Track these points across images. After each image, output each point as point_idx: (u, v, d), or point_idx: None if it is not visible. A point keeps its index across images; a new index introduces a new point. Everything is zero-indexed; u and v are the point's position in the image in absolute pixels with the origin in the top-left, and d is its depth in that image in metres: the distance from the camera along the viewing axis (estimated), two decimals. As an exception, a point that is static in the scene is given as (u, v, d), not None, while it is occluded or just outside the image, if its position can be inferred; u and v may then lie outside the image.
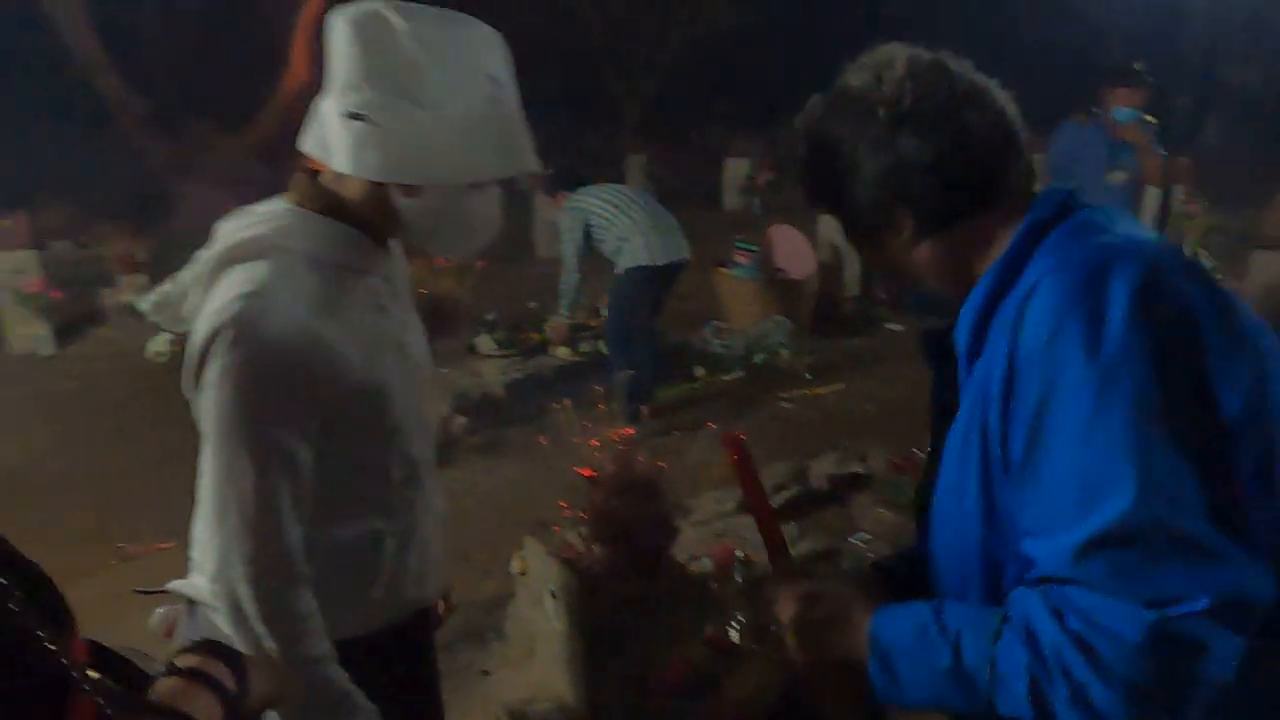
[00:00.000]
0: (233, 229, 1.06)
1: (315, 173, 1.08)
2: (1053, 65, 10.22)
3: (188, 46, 9.66)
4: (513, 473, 4.06)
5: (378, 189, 1.03)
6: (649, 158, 11.57)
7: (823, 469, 3.17)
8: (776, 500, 2.96)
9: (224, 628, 0.99)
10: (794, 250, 5.90)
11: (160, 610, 1.16)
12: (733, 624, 2.19)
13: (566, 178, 4.54)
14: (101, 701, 0.53)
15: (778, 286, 5.75)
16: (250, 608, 0.96)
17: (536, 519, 2.71)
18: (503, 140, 1.05)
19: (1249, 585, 0.70)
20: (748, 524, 2.86)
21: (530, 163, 1.10)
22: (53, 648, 0.48)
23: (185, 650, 0.66)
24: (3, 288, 6.24)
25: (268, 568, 0.97)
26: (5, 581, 0.46)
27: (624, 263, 4.30)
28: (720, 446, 1.55)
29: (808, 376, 5.12)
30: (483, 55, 1.03)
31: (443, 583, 1.29)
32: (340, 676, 1.03)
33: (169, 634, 1.16)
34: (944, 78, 0.86)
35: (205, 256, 1.05)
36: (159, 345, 3.96)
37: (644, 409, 3.85)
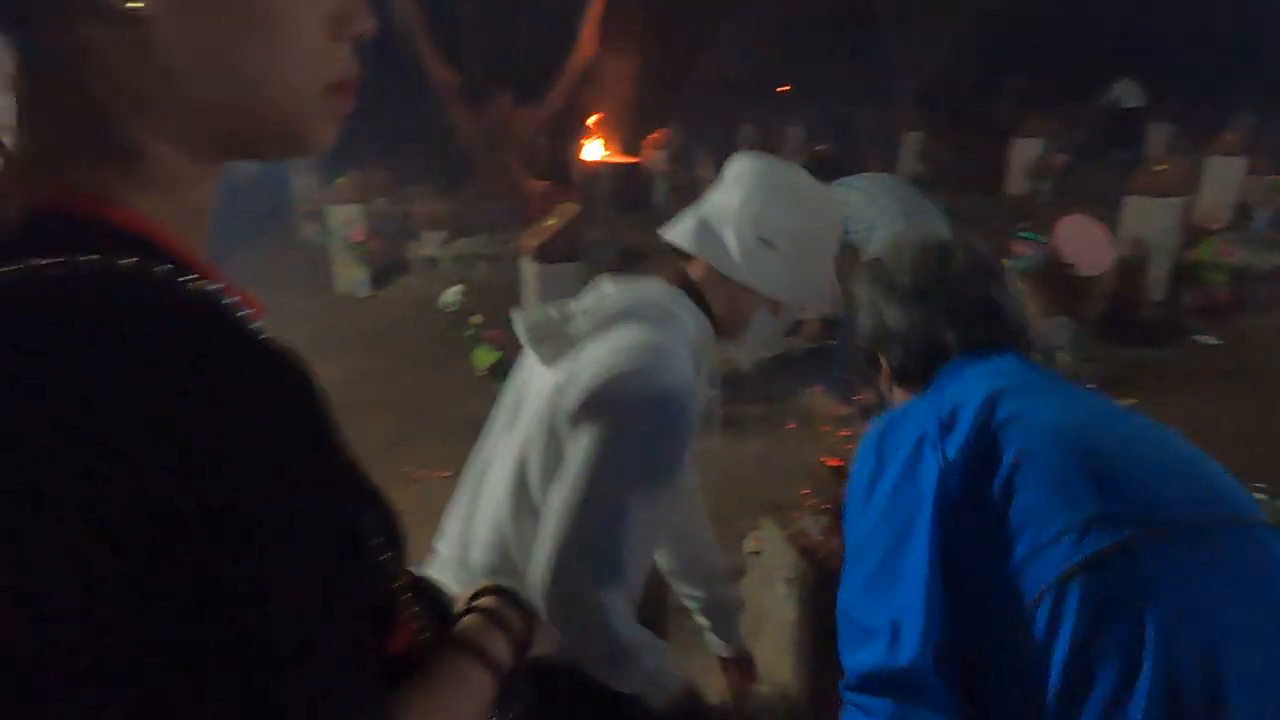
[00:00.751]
0: (620, 289, 1.23)
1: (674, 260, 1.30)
2: None
3: (495, 26, 10.58)
4: (755, 450, 4.05)
5: (745, 299, 1.24)
6: (926, 136, 10.89)
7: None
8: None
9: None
10: (1088, 243, 5.27)
11: None
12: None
13: (825, 166, 4.39)
14: (418, 627, 0.59)
15: (1063, 283, 5.18)
16: (570, 591, 1.05)
17: (775, 501, 2.68)
18: (835, 282, 1.30)
19: (887, 658, 0.83)
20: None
21: (836, 306, 1.36)
22: (391, 571, 0.54)
23: (483, 591, 0.73)
24: (335, 236, 7.34)
25: (600, 578, 1.06)
26: (359, 503, 0.52)
27: (866, 254, 4.13)
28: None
29: (1090, 387, 4.58)
30: (837, 216, 1.34)
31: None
32: (624, 629, 1.09)
33: None
34: (943, 264, 1.07)
35: (605, 304, 1.19)
36: (450, 297, 4.43)
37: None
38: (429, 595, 0.66)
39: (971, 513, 0.82)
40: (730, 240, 1.20)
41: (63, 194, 0.46)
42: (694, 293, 1.23)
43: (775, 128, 13.36)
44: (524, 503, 1.15)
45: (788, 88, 14.44)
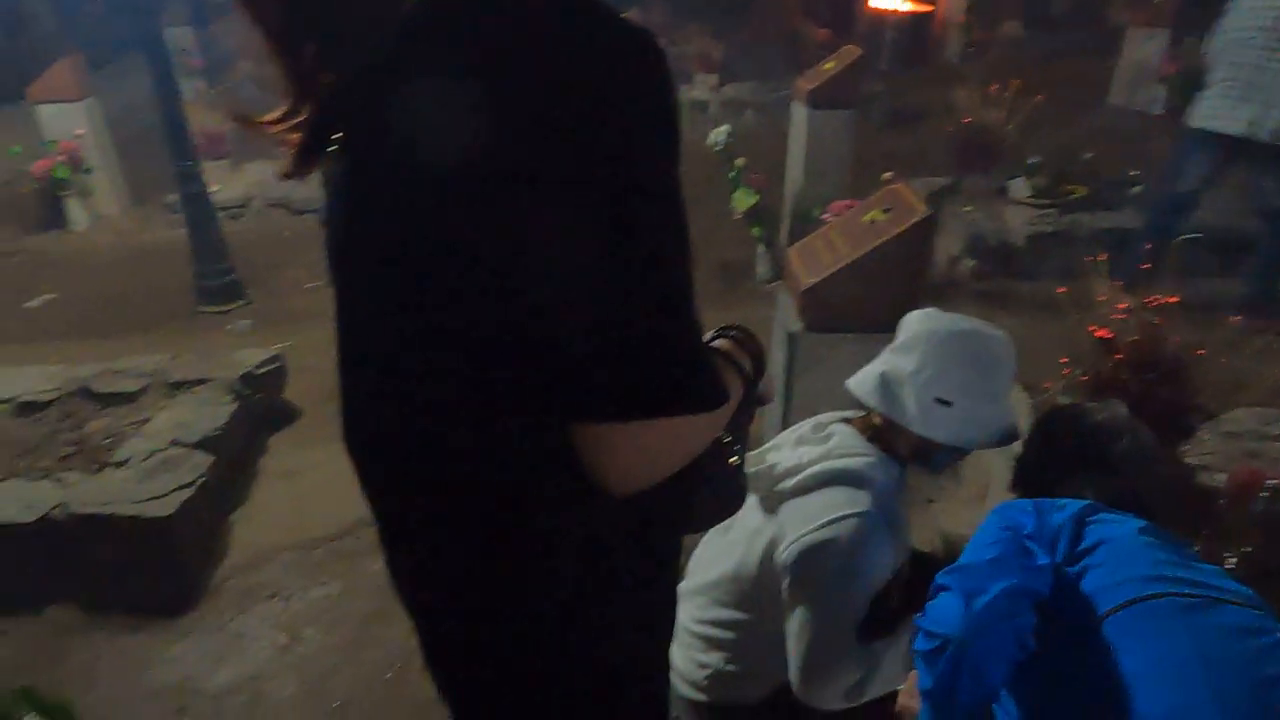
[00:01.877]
0: (819, 449, 1.40)
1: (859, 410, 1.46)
2: None
3: None
4: (1010, 325, 3.81)
5: (927, 443, 1.36)
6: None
7: None
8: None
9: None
10: None
11: None
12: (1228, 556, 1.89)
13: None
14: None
15: None
16: (823, 683, 1.37)
17: (1026, 377, 2.56)
18: (1014, 417, 1.41)
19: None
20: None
21: (1015, 439, 1.41)
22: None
23: (729, 326, 0.90)
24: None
25: (835, 670, 1.35)
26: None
27: (1190, 116, 3.52)
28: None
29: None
30: (1009, 361, 1.38)
31: None
32: (871, 651, 1.36)
33: None
34: (1109, 443, 1.28)
35: (808, 468, 1.37)
36: (717, 137, 4.46)
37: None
38: None
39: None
40: (908, 401, 1.34)
41: None
42: (881, 436, 1.40)
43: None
44: (738, 591, 1.46)
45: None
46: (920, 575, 1.41)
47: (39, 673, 2.23)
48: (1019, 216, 4.55)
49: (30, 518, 2.47)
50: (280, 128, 0.70)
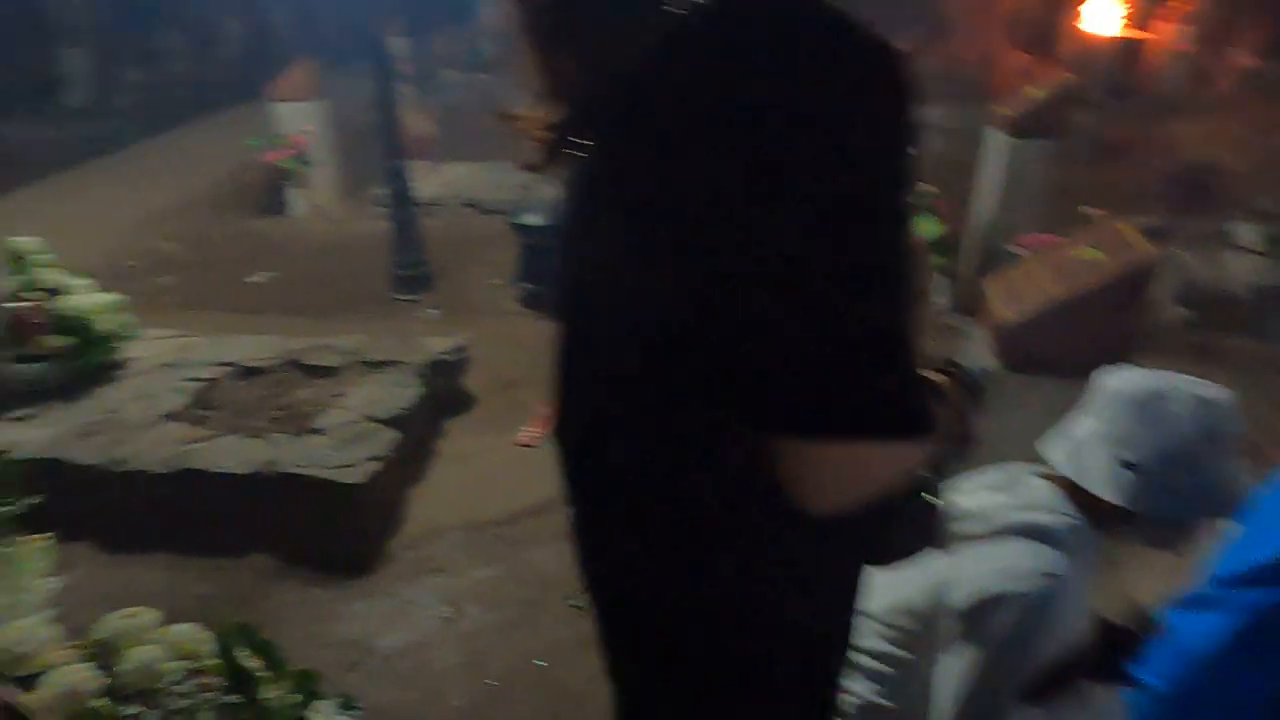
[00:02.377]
0: (1012, 496, 1.32)
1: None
2: None
3: None
4: (1225, 384, 3.46)
5: (1122, 510, 1.26)
6: None
7: None
8: None
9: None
10: None
11: None
12: None
13: None
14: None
15: None
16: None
17: (1246, 442, 2.32)
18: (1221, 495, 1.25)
19: None
20: None
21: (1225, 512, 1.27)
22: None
23: (946, 359, 0.90)
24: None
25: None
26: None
27: None
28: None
29: None
30: (1229, 423, 1.23)
31: None
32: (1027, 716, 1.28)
33: None
34: None
35: (997, 513, 1.30)
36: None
37: None
38: None
39: None
40: (1095, 464, 1.27)
41: None
42: (1079, 497, 1.30)
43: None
44: (901, 627, 1.40)
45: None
46: (1106, 647, 1.32)
47: (240, 612, 2.47)
48: (1243, 265, 4.12)
49: (244, 470, 2.76)
50: (534, 126, 0.76)
